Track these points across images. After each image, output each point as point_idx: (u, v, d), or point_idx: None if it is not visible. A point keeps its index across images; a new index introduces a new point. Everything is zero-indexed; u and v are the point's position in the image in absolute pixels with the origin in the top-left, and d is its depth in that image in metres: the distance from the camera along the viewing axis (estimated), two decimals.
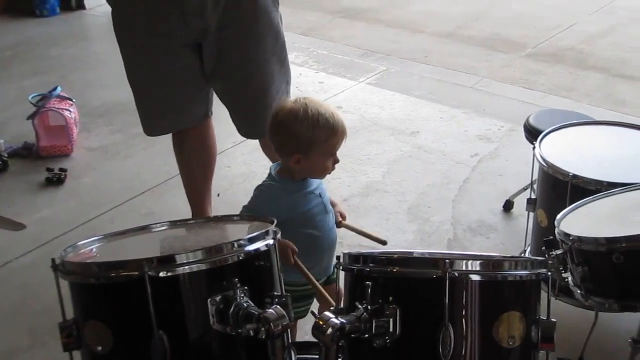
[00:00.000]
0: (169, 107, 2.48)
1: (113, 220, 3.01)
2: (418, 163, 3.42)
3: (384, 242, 2.04)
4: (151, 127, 2.57)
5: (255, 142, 3.53)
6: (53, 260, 1.36)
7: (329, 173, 1.90)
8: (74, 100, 3.68)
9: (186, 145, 2.68)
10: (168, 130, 2.62)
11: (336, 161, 1.88)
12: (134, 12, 2.29)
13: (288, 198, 1.88)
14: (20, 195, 3.22)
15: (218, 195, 3.01)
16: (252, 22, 2.28)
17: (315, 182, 1.94)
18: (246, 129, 2.56)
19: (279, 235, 1.39)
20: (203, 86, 2.43)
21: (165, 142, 3.63)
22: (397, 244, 2.79)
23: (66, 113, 3.52)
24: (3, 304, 2.55)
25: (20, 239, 2.86)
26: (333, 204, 2.03)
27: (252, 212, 1.82)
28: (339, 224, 2.02)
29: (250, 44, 2.31)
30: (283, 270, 1.39)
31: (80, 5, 5.71)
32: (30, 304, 2.55)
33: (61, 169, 3.34)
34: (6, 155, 3.45)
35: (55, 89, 3.65)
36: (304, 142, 1.81)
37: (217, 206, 2.86)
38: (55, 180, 3.29)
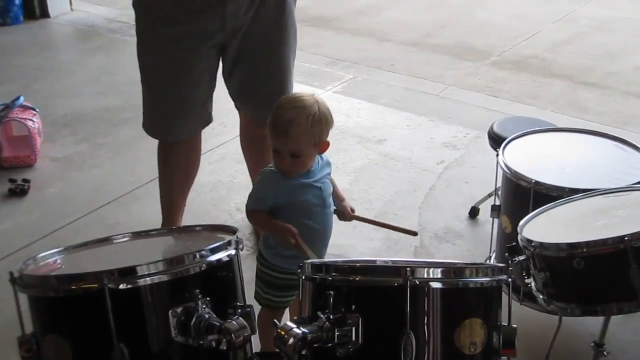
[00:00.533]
0: (186, 110, 2.45)
1: (78, 231, 2.97)
2: (385, 171, 3.44)
3: (414, 233, 2.17)
4: (163, 131, 2.52)
5: (223, 152, 3.55)
6: (11, 273, 1.33)
7: (284, 169, 1.90)
8: (37, 109, 3.63)
9: (177, 154, 2.61)
10: (181, 136, 2.53)
11: (284, 161, 1.87)
12: (171, 10, 2.26)
13: (285, 185, 1.90)
14: None
15: None
16: (279, 23, 2.38)
17: (318, 175, 1.96)
18: (264, 114, 2.55)
19: (241, 246, 1.38)
20: (213, 90, 2.46)
21: (131, 152, 3.63)
22: (364, 252, 2.79)
23: (29, 123, 3.47)
24: None
25: None
26: (341, 199, 2.10)
27: (254, 195, 1.93)
28: (347, 216, 2.12)
29: (275, 43, 2.40)
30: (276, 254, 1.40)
31: (45, 14, 5.64)
32: None
33: (24, 180, 3.29)
34: None
35: (18, 98, 3.60)
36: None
37: (184, 216, 2.84)
38: (19, 192, 3.23)
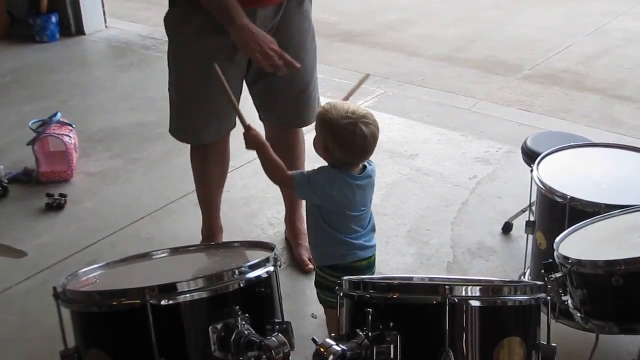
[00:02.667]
0: (214, 116, 2.51)
1: (113, 245, 3.02)
2: (417, 186, 3.44)
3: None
4: (193, 134, 2.59)
5: (255, 167, 3.57)
6: (54, 288, 1.36)
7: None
8: (73, 125, 3.70)
9: (211, 156, 2.69)
10: (207, 140, 2.60)
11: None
12: (204, 25, 2.33)
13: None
14: (20, 221, 3.22)
15: None
16: (300, 27, 2.47)
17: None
18: (288, 119, 2.65)
19: (279, 263, 1.39)
20: (240, 96, 2.52)
21: (164, 167, 3.68)
22: (397, 267, 2.79)
23: (66, 139, 3.54)
24: (2, 330, 2.54)
25: (19, 265, 2.85)
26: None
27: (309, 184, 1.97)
28: None
29: (299, 48, 2.46)
30: None
31: (80, 31, 5.75)
32: (29, 330, 2.54)
33: (61, 195, 3.34)
34: (6, 181, 3.46)
35: (55, 114, 3.67)
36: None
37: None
38: (55, 206, 3.29)
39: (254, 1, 2.29)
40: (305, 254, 2.78)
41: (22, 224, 3.19)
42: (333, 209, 1.98)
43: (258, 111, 2.66)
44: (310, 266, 2.71)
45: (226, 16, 2.21)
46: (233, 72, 2.39)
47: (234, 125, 2.56)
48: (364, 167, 2.01)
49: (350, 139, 1.89)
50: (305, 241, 2.80)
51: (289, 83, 2.49)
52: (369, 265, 2.09)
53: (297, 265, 2.80)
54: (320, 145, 1.96)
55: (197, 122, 2.54)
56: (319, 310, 2.39)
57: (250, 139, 2.02)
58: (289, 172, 1.99)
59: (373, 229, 2.11)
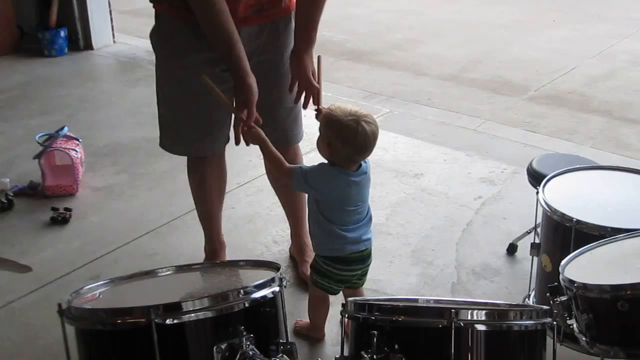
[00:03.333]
0: (207, 130, 2.53)
1: (117, 261, 3.01)
2: (421, 206, 3.43)
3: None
4: (184, 148, 2.61)
5: (260, 184, 3.58)
6: (59, 305, 1.36)
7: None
8: (80, 140, 3.71)
9: (207, 170, 2.69)
10: (202, 153, 2.62)
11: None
12: (188, 42, 2.35)
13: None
14: (24, 234, 3.22)
15: None
16: (288, 46, 2.48)
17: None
18: (283, 137, 2.64)
19: (285, 282, 1.39)
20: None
21: (169, 183, 3.68)
22: (401, 288, 2.78)
23: (72, 153, 3.55)
24: (5, 344, 2.54)
25: (23, 279, 2.86)
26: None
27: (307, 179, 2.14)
28: None
29: (286, 65, 2.48)
30: None
31: (88, 46, 5.79)
32: (32, 345, 2.53)
33: (66, 209, 3.35)
34: (12, 194, 3.47)
35: (62, 128, 3.68)
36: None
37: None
38: (60, 220, 3.30)
39: (240, 20, 2.28)
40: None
41: (27, 237, 3.20)
42: (329, 203, 2.15)
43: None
44: None
45: (222, 44, 2.20)
46: (222, 87, 2.34)
47: (229, 139, 2.57)
48: (360, 164, 2.18)
49: (352, 136, 2.05)
50: (311, 257, 2.79)
51: (280, 102, 2.54)
52: (362, 258, 2.26)
53: (301, 283, 2.79)
54: (325, 144, 2.12)
55: (190, 135, 2.55)
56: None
57: (252, 135, 2.15)
58: (288, 165, 2.17)
59: (369, 222, 2.28)
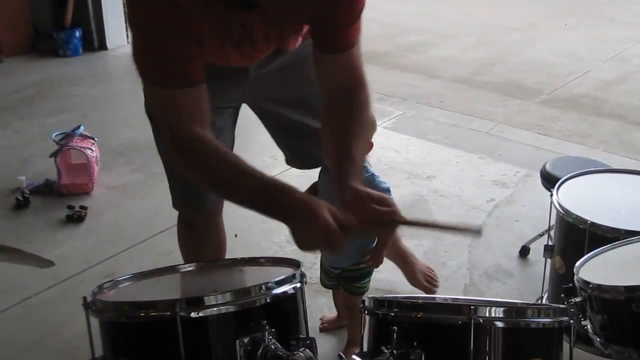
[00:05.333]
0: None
1: (132, 259, 3.05)
2: (434, 207, 3.45)
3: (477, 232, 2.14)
4: (199, 202, 2.27)
5: None
6: (85, 298, 1.38)
7: None
8: (95, 139, 3.75)
9: (202, 234, 2.35)
10: (211, 207, 2.29)
11: None
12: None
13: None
14: (40, 231, 3.26)
15: (236, 236, 3.04)
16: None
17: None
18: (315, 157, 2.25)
19: (305, 279, 1.41)
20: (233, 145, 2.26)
21: None
22: (414, 289, 2.79)
23: (88, 152, 3.58)
24: (22, 339, 2.57)
25: (39, 275, 2.89)
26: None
27: None
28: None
29: (310, 81, 2.06)
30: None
31: (103, 46, 5.84)
32: (48, 340, 2.57)
33: (82, 207, 3.39)
34: (28, 192, 3.51)
35: (78, 127, 3.72)
36: None
37: (235, 247, 2.88)
38: (76, 218, 3.33)
39: (248, 60, 1.90)
40: (423, 278, 2.68)
41: (43, 234, 3.24)
42: None
43: (286, 156, 2.43)
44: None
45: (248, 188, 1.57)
46: (222, 123, 2.14)
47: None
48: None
49: None
50: (416, 260, 2.72)
51: (305, 121, 2.20)
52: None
53: (313, 283, 2.79)
54: None
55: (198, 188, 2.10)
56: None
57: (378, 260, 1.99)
58: None
59: None
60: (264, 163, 3.71)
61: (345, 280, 2.23)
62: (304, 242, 1.44)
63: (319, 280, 2.81)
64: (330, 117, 1.78)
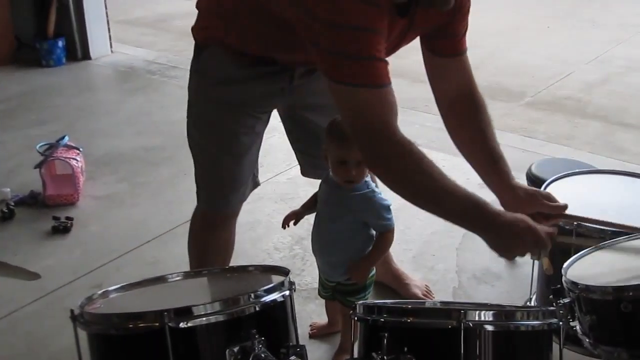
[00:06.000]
0: (245, 177, 2.25)
1: (119, 269, 3.03)
2: (422, 211, 3.42)
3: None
4: (227, 203, 2.28)
5: (260, 191, 3.58)
6: (72, 310, 1.37)
7: (344, 181, 2.03)
8: (80, 149, 3.73)
9: (218, 234, 2.38)
10: (235, 207, 2.33)
11: (349, 172, 1.97)
12: (246, 74, 2.01)
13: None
14: (26, 243, 3.23)
15: None
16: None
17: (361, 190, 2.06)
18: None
19: (294, 286, 1.41)
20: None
21: (170, 191, 3.69)
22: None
23: (73, 162, 3.56)
24: (8, 353, 2.54)
25: (25, 288, 2.86)
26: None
27: None
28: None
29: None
30: None
31: (86, 56, 5.81)
32: (35, 354, 2.54)
33: (67, 218, 3.36)
34: (13, 203, 3.48)
35: (62, 138, 3.70)
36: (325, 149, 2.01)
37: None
38: (62, 229, 3.30)
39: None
40: (420, 293, 2.71)
41: (29, 246, 3.21)
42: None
43: (303, 166, 2.47)
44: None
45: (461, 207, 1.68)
46: (260, 128, 2.17)
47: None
48: None
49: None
50: (411, 279, 2.76)
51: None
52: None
53: (302, 290, 2.80)
54: (324, 156, 2.08)
55: (228, 186, 2.24)
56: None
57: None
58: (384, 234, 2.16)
59: None
60: None
61: (340, 293, 2.22)
62: (512, 251, 1.62)
63: (308, 287, 2.83)
64: (461, 121, 1.96)
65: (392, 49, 1.86)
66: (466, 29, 1.95)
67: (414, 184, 1.66)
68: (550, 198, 1.85)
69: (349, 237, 2.09)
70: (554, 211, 1.86)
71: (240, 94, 2.03)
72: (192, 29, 2.10)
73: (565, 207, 1.85)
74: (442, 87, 1.99)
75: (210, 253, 2.35)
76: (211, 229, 2.36)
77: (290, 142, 2.42)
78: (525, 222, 1.61)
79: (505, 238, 1.60)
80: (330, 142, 2.00)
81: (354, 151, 1.83)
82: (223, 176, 2.20)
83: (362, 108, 1.62)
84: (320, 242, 2.18)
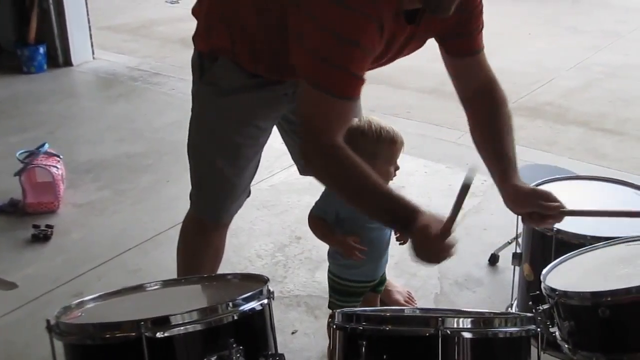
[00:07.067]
0: (244, 187, 2.25)
1: (100, 277, 3.00)
2: None
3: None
4: (225, 212, 2.28)
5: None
6: (48, 321, 1.36)
7: (392, 179, 2.12)
8: (61, 156, 3.70)
9: (209, 240, 2.36)
10: (232, 216, 2.33)
11: (397, 168, 2.13)
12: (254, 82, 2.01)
13: None
14: (5, 252, 3.20)
15: None
16: None
17: None
18: None
19: (273, 294, 1.40)
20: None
21: (152, 198, 3.68)
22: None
23: (53, 170, 3.53)
24: None
25: (5, 297, 2.84)
26: None
27: (319, 207, 2.07)
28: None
29: None
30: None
31: (67, 62, 5.77)
32: None
33: (47, 226, 3.33)
34: None
35: (42, 145, 3.67)
36: (369, 153, 1.96)
37: None
38: (42, 237, 3.28)
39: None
40: (402, 299, 2.73)
41: (8, 255, 3.18)
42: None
43: (300, 166, 2.43)
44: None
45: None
46: (264, 139, 2.17)
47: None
48: None
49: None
50: (393, 286, 2.76)
51: None
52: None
53: (284, 297, 2.80)
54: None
55: (231, 196, 2.23)
56: (304, 339, 2.41)
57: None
58: None
59: None
60: None
61: (379, 284, 2.36)
62: (422, 258, 1.74)
63: (290, 294, 2.83)
64: (476, 119, 2.02)
65: (394, 56, 1.91)
66: (481, 27, 1.96)
67: (341, 185, 1.76)
68: (548, 197, 1.92)
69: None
70: (548, 211, 1.92)
71: (249, 102, 2.03)
72: (194, 38, 2.08)
73: (559, 207, 1.90)
74: (461, 87, 2.06)
75: (201, 259, 2.34)
76: (205, 235, 2.35)
77: (288, 148, 2.44)
78: (425, 233, 1.71)
79: (414, 245, 1.74)
80: (382, 145, 2.07)
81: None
82: (224, 186, 2.19)
83: (321, 113, 1.68)
84: (382, 245, 2.23)
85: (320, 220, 2.09)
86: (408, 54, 1.99)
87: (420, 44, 1.97)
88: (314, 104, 1.67)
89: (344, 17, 1.58)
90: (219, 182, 2.19)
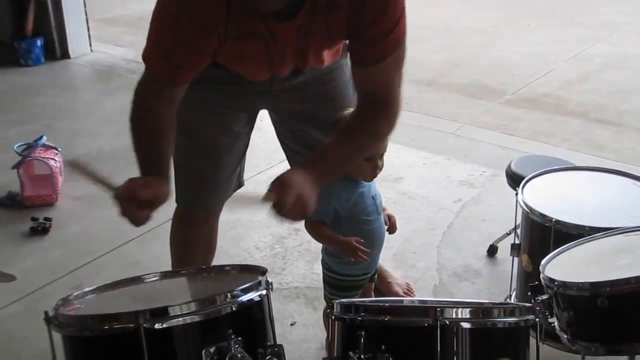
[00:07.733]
0: (225, 178, 2.24)
1: (99, 270, 3.00)
2: (402, 209, 3.45)
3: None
4: (205, 202, 2.29)
5: (241, 191, 3.57)
6: (46, 312, 1.35)
7: (370, 177, 2.09)
8: (59, 149, 3.69)
9: (196, 231, 2.38)
10: (215, 207, 2.33)
11: (376, 166, 2.06)
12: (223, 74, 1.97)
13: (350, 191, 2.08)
14: (4, 245, 3.20)
15: None
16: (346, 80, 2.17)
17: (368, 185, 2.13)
18: None
19: (271, 285, 1.40)
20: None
21: None
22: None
23: (51, 162, 3.53)
24: None
25: (4, 290, 2.84)
26: (383, 209, 2.25)
27: (317, 212, 1.94)
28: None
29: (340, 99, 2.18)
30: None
31: (65, 55, 5.76)
32: (13, 356, 2.52)
33: (46, 218, 3.33)
34: None
35: (40, 138, 3.66)
36: None
37: None
38: (40, 230, 3.27)
39: (273, 72, 1.91)
40: (401, 291, 2.73)
41: (7, 248, 3.17)
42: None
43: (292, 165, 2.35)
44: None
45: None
46: (239, 129, 2.15)
47: (232, 193, 2.32)
48: None
49: None
50: (392, 277, 2.77)
51: (316, 136, 2.18)
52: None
53: (283, 289, 2.80)
54: None
55: (206, 186, 2.24)
56: (303, 330, 2.41)
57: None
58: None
59: None
60: None
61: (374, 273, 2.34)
62: None
63: (289, 286, 2.83)
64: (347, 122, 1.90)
65: (277, 56, 1.76)
66: (385, 34, 1.71)
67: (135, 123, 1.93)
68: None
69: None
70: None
71: (216, 93, 2.03)
72: None
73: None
74: (356, 92, 1.91)
75: (191, 250, 2.36)
76: (189, 226, 2.36)
77: (283, 149, 2.40)
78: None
79: None
80: None
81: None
82: (199, 177, 2.20)
83: (147, 88, 1.82)
84: (382, 235, 2.23)
85: (321, 224, 2.05)
86: (316, 52, 1.85)
87: (325, 42, 1.80)
88: (143, 79, 1.81)
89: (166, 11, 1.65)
90: (194, 173, 2.20)
